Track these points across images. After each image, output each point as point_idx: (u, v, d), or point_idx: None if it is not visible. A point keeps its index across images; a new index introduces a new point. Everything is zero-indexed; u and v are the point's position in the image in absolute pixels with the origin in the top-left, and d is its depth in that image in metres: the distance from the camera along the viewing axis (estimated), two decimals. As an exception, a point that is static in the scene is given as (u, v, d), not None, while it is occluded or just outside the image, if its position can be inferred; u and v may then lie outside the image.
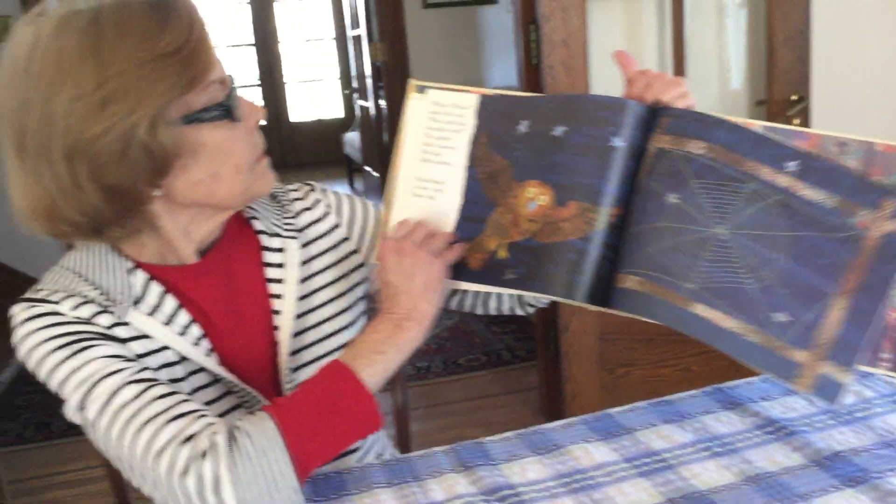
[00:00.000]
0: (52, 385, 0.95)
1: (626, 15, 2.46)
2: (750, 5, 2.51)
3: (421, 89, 1.07)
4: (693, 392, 1.14)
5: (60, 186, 0.90)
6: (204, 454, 0.86)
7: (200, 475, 0.85)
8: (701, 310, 0.92)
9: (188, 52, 0.89)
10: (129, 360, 0.95)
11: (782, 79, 2.39)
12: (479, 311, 1.25)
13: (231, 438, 0.87)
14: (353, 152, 6.77)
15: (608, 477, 0.96)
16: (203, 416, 0.91)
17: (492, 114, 1.04)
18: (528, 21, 2.38)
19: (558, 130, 1.00)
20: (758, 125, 0.95)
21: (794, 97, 2.39)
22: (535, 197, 1.00)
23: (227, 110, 0.94)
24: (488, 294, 1.19)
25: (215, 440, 0.87)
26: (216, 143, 0.94)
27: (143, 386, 0.92)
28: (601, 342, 2.51)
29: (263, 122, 1.02)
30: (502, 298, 1.20)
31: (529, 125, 1.02)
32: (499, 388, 3.11)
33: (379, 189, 5.27)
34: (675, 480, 0.94)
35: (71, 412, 0.94)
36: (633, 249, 0.96)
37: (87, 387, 0.92)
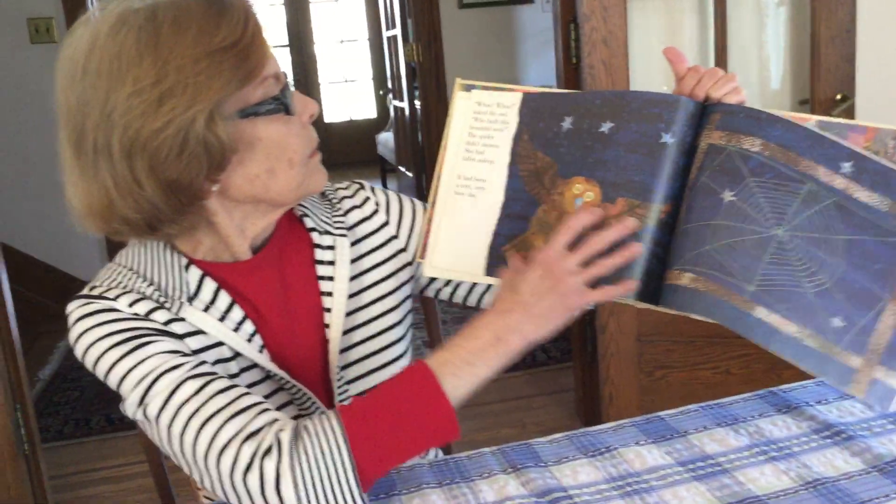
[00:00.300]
0: (111, 382, 0.95)
1: (667, 14, 2.44)
2: (791, 4, 2.47)
3: (468, 88, 1.07)
4: (745, 395, 1.12)
5: (119, 183, 0.90)
6: (267, 452, 0.86)
7: (263, 473, 0.85)
8: (763, 314, 0.90)
9: (243, 46, 0.90)
10: (187, 354, 0.95)
11: (827, 78, 2.36)
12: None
13: (295, 437, 0.87)
14: (387, 152, 6.78)
15: (662, 481, 0.94)
16: (265, 410, 0.91)
17: (534, 111, 1.04)
18: (569, 20, 2.37)
19: (605, 127, 0.98)
20: (813, 119, 0.93)
21: (838, 96, 2.35)
22: (581, 193, 0.99)
23: (282, 104, 0.95)
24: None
25: (280, 438, 0.87)
26: (272, 138, 0.95)
27: (203, 381, 0.92)
28: (639, 343, 2.49)
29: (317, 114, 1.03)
30: None
31: (573, 122, 1.01)
32: (534, 390, 3.09)
33: (413, 189, 5.26)
34: (730, 485, 0.92)
35: (131, 409, 0.94)
36: (688, 246, 0.95)
37: (148, 383, 0.92)
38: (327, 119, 8.54)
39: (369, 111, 8.57)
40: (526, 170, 1.03)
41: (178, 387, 0.91)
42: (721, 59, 2.34)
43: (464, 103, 1.07)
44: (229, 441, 0.87)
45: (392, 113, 6.07)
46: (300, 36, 8.35)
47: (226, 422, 0.88)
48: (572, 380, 2.92)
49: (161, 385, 0.91)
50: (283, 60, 8.28)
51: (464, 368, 0.91)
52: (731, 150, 0.94)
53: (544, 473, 0.97)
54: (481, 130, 1.06)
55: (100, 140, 0.89)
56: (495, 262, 1.03)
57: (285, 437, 0.87)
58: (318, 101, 8.35)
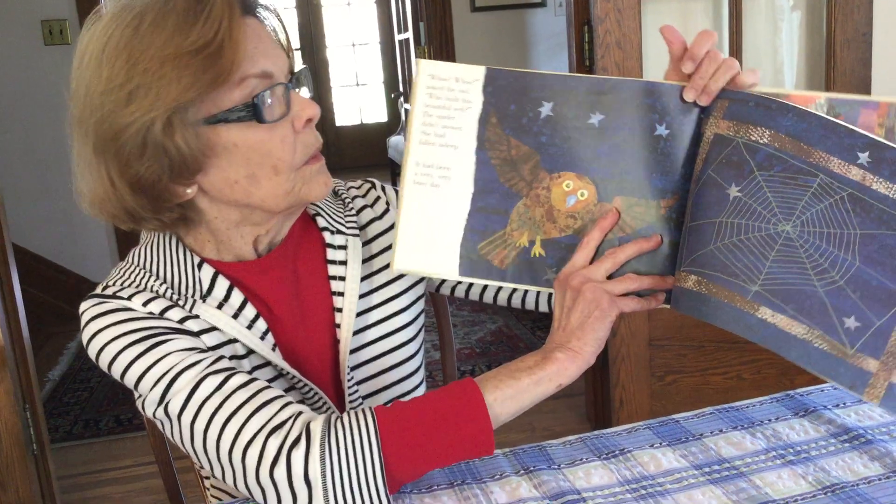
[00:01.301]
0: (128, 381, 0.94)
1: (681, 16, 2.43)
2: (805, 8, 2.46)
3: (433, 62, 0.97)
4: (761, 398, 1.10)
5: (101, 176, 0.91)
6: (295, 443, 0.85)
7: (290, 464, 0.85)
8: (767, 314, 0.86)
9: (213, 50, 0.87)
10: (204, 351, 0.95)
11: (842, 81, 2.34)
12: (514, 304, 1.18)
13: (328, 429, 0.86)
14: (397, 156, 6.77)
15: (677, 484, 0.92)
16: (289, 403, 0.90)
17: (502, 91, 0.94)
18: (582, 22, 2.35)
19: (595, 119, 0.93)
20: (823, 97, 0.89)
21: (854, 100, 2.33)
22: (573, 191, 0.95)
23: (253, 111, 0.90)
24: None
25: (311, 428, 0.86)
26: (249, 144, 0.92)
27: (223, 376, 0.91)
28: (650, 348, 2.47)
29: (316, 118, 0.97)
30: (541, 294, 1.13)
31: (554, 109, 0.94)
32: (544, 394, 3.07)
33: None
34: (747, 489, 0.90)
35: (150, 408, 0.93)
36: (692, 246, 0.91)
37: (167, 381, 0.91)
38: (338, 122, 8.54)
39: (380, 114, 8.56)
40: (498, 157, 0.95)
41: (199, 383, 0.90)
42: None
43: (420, 79, 0.96)
44: (255, 435, 0.86)
45: (403, 116, 6.06)
46: (312, 39, 8.36)
47: (250, 416, 0.88)
48: (582, 384, 2.90)
49: (181, 382, 0.91)
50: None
51: (507, 382, 0.89)
52: (738, 141, 0.90)
53: (557, 476, 0.96)
54: (439, 109, 0.95)
55: (89, 131, 0.90)
56: (470, 262, 0.96)
57: (317, 428, 0.86)
58: (329, 104, 8.38)
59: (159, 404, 0.92)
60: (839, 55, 2.32)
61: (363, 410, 0.89)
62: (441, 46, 4.75)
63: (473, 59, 4.82)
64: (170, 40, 0.86)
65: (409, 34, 5.15)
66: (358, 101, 8.54)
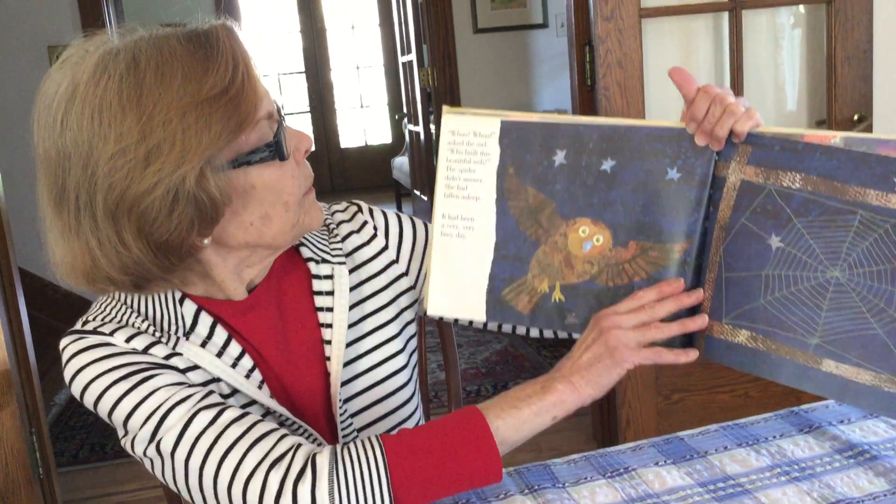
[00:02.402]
0: (116, 419, 0.91)
1: (682, 35, 2.44)
2: (806, 25, 2.47)
3: (454, 115, 1.01)
4: (766, 415, 1.10)
5: (104, 244, 0.86)
6: (300, 476, 0.84)
7: (296, 498, 0.83)
8: (832, 367, 0.85)
9: (234, 92, 0.84)
10: (193, 385, 0.92)
11: (844, 98, 2.35)
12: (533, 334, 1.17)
13: (335, 461, 0.85)
14: (402, 177, 6.79)
15: (682, 501, 0.92)
16: (285, 435, 0.88)
17: (517, 142, 0.98)
18: (584, 43, 2.37)
19: (607, 165, 0.95)
20: (838, 136, 0.87)
21: (855, 116, 2.34)
22: (589, 237, 0.96)
23: (275, 149, 0.90)
24: None
25: (317, 462, 0.85)
26: (266, 184, 0.90)
27: (215, 410, 0.89)
28: (657, 366, 2.46)
29: (312, 149, 0.98)
30: None
31: (567, 157, 0.96)
32: (551, 414, 3.06)
33: (427, 213, 5.21)
34: (752, 506, 0.90)
35: (140, 446, 0.90)
36: (736, 299, 0.90)
37: (158, 417, 0.88)
38: (343, 144, 8.58)
39: (385, 136, 8.60)
40: (517, 207, 0.98)
41: (191, 419, 0.88)
42: (737, 81, 2.33)
43: (442, 135, 1.00)
44: (255, 469, 0.85)
45: (407, 137, 6.09)
46: (317, 62, 8.41)
47: (247, 450, 0.86)
48: (589, 404, 2.89)
49: (173, 418, 0.88)
50: (299, 87, 8.33)
51: (508, 411, 0.89)
52: (770, 188, 0.89)
53: (562, 494, 0.95)
54: (460, 164, 1.00)
55: (82, 198, 0.85)
56: (497, 307, 0.99)
57: (324, 461, 0.85)
58: (334, 126, 8.40)
59: (150, 442, 0.89)
60: (840, 72, 2.32)
61: (369, 440, 0.87)
62: (444, 68, 4.77)
63: (477, 80, 4.86)
64: (184, 88, 0.82)
65: (413, 56, 5.17)
66: (362, 122, 8.58)
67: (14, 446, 2.15)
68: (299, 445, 0.87)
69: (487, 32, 4.88)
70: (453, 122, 0.99)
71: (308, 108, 8.44)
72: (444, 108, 0.99)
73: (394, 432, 0.91)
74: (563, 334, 1.02)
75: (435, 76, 4.78)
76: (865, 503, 0.89)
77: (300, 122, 8.25)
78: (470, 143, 0.99)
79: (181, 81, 0.83)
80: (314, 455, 0.86)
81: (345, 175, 8.55)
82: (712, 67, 2.42)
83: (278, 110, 0.93)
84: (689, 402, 2.51)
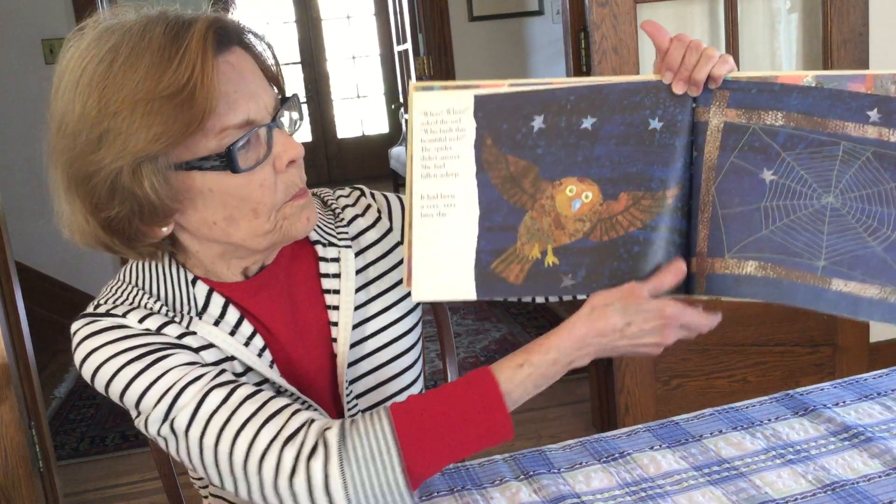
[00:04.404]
0: (128, 400, 0.92)
1: (678, 20, 2.43)
2: (802, 9, 2.46)
3: (427, 89, 0.98)
4: (761, 398, 1.10)
5: (72, 211, 0.90)
6: (312, 453, 0.85)
7: (310, 475, 0.84)
8: (840, 285, 0.89)
9: (185, 96, 0.83)
10: (206, 365, 0.93)
11: (840, 82, 2.34)
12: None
13: (343, 436, 0.86)
14: (399, 166, 6.78)
15: (677, 486, 0.92)
16: (298, 411, 0.89)
17: (492, 113, 0.97)
18: (579, 29, 2.36)
19: (588, 123, 0.95)
20: (809, 75, 0.90)
21: (852, 100, 2.33)
22: (577, 195, 0.95)
23: (227, 161, 0.87)
24: None
25: (327, 437, 0.86)
26: (225, 189, 0.89)
27: (228, 388, 0.90)
28: (656, 352, 2.47)
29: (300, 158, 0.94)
30: None
31: (546, 121, 0.96)
32: (549, 400, 3.06)
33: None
34: (747, 489, 0.90)
35: (154, 426, 0.91)
36: (736, 234, 0.92)
37: (172, 396, 0.89)
38: (340, 135, 8.56)
39: (381, 126, 8.58)
40: (498, 177, 0.97)
41: (204, 397, 0.89)
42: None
43: (414, 116, 0.98)
44: (268, 446, 0.86)
45: (404, 127, 6.08)
46: (313, 53, 8.38)
47: (261, 427, 0.87)
48: (588, 390, 2.90)
49: (186, 397, 0.89)
50: (295, 77, 8.31)
51: (519, 372, 0.88)
52: (754, 127, 0.92)
53: (557, 480, 0.96)
54: (435, 143, 0.98)
55: (60, 166, 0.89)
56: (487, 282, 0.97)
57: (333, 437, 0.85)
58: (331, 116, 8.39)
59: (164, 421, 0.90)
60: (836, 55, 2.32)
61: (378, 412, 0.88)
62: (440, 56, 4.76)
63: (473, 68, 4.84)
64: (142, 83, 0.83)
65: (409, 45, 5.16)
66: (359, 112, 8.56)
67: (14, 440, 2.15)
68: (312, 421, 0.88)
69: (483, 20, 4.86)
70: (425, 102, 0.97)
71: (305, 99, 8.42)
72: (413, 84, 0.97)
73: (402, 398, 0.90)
74: (554, 299, 1.01)
75: (431, 65, 4.77)
76: (860, 485, 0.89)
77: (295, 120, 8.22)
78: (444, 121, 0.97)
79: (143, 74, 0.83)
80: (325, 430, 0.87)
81: (342, 165, 8.55)
82: (708, 52, 2.41)
83: (275, 117, 0.91)
84: (688, 387, 2.51)
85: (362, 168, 8.51)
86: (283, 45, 8.26)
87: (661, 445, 1.01)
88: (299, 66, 8.36)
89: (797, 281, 0.90)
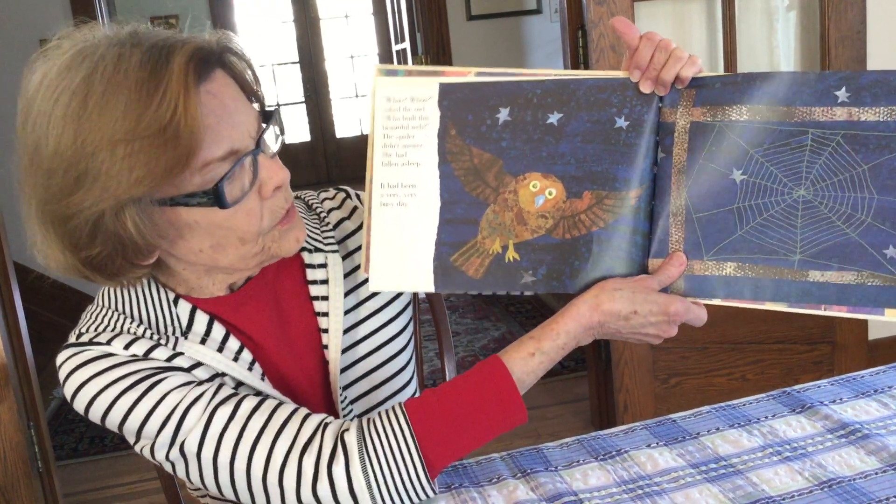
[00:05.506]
0: (128, 430, 0.90)
1: (675, 18, 2.43)
2: (800, 7, 2.46)
3: (389, 74, 0.96)
4: (758, 396, 1.10)
5: (47, 243, 0.86)
6: (332, 458, 0.85)
7: (333, 480, 0.84)
8: (818, 276, 0.89)
9: (170, 134, 0.78)
10: (202, 382, 0.92)
11: (837, 79, 2.34)
12: None
13: (362, 438, 0.86)
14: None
15: (674, 483, 0.92)
16: (308, 415, 0.89)
17: (457, 103, 0.95)
18: (577, 27, 2.36)
19: (554, 118, 0.94)
20: None
21: (849, 98, 2.33)
22: (541, 191, 0.95)
23: (215, 198, 0.84)
24: None
25: (346, 441, 0.86)
26: (212, 222, 0.87)
27: (233, 404, 0.89)
28: (654, 350, 2.47)
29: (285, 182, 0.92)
30: None
31: (511, 113, 0.94)
32: (548, 399, 3.06)
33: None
34: (744, 486, 0.90)
35: (161, 452, 0.89)
36: (712, 237, 0.92)
37: (176, 420, 0.88)
38: (339, 134, 8.56)
39: (380, 126, 8.59)
40: (461, 168, 0.95)
41: (211, 416, 0.88)
42: (730, 64, 2.32)
43: (376, 103, 0.96)
44: (287, 456, 0.86)
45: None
46: (311, 53, 8.38)
47: (275, 438, 0.86)
48: (587, 389, 2.90)
49: (192, 418, 0.87)
50: (293, 77, 8.29)
51: (530, 361, 0.91)
52: (719, 124, 0.91)
53: (554, 478, 0.96)
54: (398, 130, 0.96)
55: (33, 199, 0.85)
56: (445, 275, 0.96)
57: (352, 440, 0.86)
58: (329, 116, 8.37)
59: (171, 446, 0.88)
60: (834, 53, 2.32)
61: (394, 410, 0.89)
62: (438, 55, 4.76)
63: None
64: (121, 121, 0.78)
65: (407, 44, 5.16)
66: (357, 112, 8.55)
67: (13, 440, 2.15)
68: (325, 424, 0.88)
69: (481, 19, 4.86)
70: (388, 87, 0.95)
71: (303, 99, 8.42)
72: (376, 66, 0.95)
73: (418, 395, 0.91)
74: (515, 293, 1.01)
75: (429, 64, 4.77)
76: (857, 482, 0.89)
77: (295, 113, 8.22)
78: (407, 108, 0.96)
79: (122, 112, 0.78)
80: (342, 433, 0.87)
81: (340, 165, 8.54)
82: (706, 51, 2.42)
83: (258, 141, 0.88)
84: (687, 385, 2.51)
85: (361, 167, 8.37)
86: (282, 45, 8.26)
87: (658, 443, 1.01)
88: (297, 65, 8.36)
89: (775, 277, 0.90)
